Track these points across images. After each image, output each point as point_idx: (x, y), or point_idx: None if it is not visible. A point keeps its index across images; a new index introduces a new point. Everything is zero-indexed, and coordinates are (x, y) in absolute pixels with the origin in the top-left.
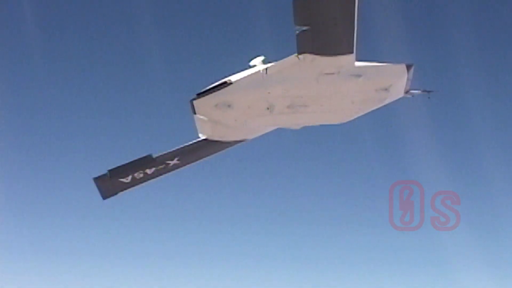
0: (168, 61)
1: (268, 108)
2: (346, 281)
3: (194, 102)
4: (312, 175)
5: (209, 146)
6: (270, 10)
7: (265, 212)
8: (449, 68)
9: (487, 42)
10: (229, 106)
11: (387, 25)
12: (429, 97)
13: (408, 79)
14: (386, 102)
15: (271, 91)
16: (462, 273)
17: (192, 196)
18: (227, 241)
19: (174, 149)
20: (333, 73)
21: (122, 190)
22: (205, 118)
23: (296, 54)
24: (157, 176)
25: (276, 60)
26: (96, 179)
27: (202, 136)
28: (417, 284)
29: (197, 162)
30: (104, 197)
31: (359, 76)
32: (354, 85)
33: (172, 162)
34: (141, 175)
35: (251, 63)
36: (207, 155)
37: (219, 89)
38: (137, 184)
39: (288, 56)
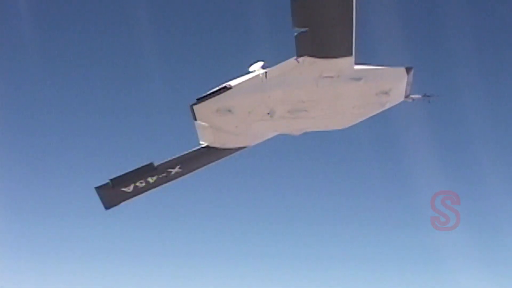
0: (169, 67)
1: (268, 113)
2: (347, 281)
3: (195, 107)
4: (313, 181)
5: (211, 153)
6: (269, 15)
7: (268, 217)
8: (448, 70)
9: (485, 45)
10: (229, 111)
11: (386, 28)
12: (429, 102)
13: (408, 82)
14: (387, 106)
15: (271, 95)
16: (462, 273)
17: (194, 200)
18: (230, 244)
19: (175, 156)
20: (332, 76)
21: (124, 200)
22: (206, 125)
23: (295, 57)
24: (158, 185)
25: (275, 64)
26: (98, 189)
27: (203, 143)
28: (417, 284)
29: (199, 170)
30: (107, 207)
31: (358, 79)
32: (354, 89)
33: (173, 170)
34: (143, 184)
35: (250, 68)
36: (209, 163)
37: (219, 94)
38: (139, 193)
39: (287, 59)
